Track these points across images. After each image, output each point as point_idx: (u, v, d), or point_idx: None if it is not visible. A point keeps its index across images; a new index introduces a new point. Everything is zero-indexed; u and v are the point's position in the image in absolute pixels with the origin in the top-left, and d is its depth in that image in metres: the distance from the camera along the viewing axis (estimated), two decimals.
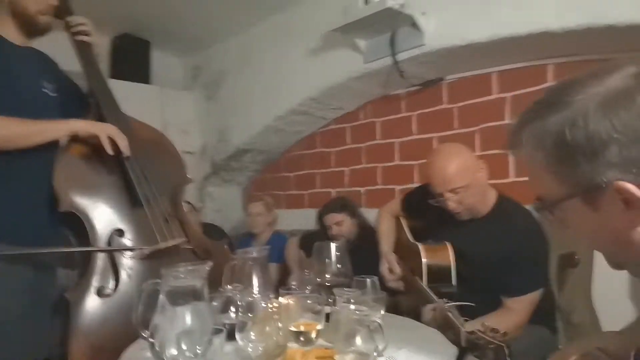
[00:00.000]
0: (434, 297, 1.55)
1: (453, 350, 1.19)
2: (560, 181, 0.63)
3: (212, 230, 3.42)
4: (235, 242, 3.36)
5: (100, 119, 1.87)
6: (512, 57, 2.45)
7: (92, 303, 1.59)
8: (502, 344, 1.08)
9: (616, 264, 0.71)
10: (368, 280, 1.22)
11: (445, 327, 1.37)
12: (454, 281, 1.68)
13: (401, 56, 2.58)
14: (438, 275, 1.69)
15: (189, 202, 3.51)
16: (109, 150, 1.69)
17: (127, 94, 2.17)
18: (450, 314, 1.35)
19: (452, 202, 1.65)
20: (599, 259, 2.10)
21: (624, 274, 2.08)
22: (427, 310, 1.47)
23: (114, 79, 3.26)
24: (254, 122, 3.52)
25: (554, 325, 1.80)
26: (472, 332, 1.18)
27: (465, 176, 1.63)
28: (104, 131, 1.70)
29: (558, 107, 0.60)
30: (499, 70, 2.59)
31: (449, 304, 1.40)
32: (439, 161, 1.70)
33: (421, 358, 1.07)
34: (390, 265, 1.92)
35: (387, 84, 2.91)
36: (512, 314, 1.55)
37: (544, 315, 1.71)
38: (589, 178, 0.59)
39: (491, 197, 1.73)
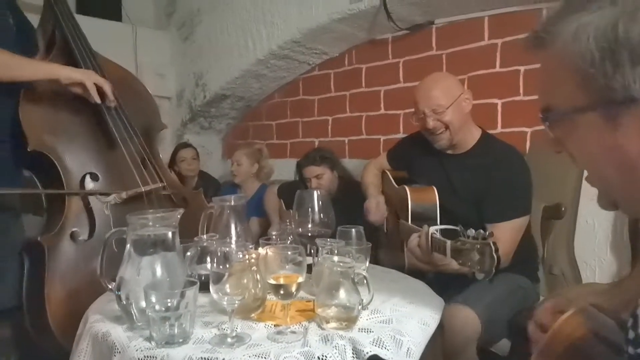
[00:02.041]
0: (418, 228, 1.51)
1: (439, 301, 1.15)
2: (586, 88, 0.54)
3: (208, 180, 3.34)
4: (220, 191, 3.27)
5: (68, 53, 1.74)
6: None
7: (67, 248, 1.54)
8: (488, 242, 1.06)
9: (610, 202, 0.64)
10: (353, 230, 1.16)
11: (430, 249, 1.35)
12: (438, 222, 1.66)
13: None
14: (423, 215, 1.67)
15: (193, 147, 3.39)
16: (97, 99, 1.61)
17: (96, 32, 2.01)
18: (435, 234, 1.33)
19: (432, 121, 1.68)
20: (583, 212, 2.09)
21: (606, 228, 2.06)
22: (413, 238, 1.44)
23: (80, 15, 3.03)
24: (232, 65, 3.33)
25: (536, 275, 1.79)
26: (457, 241, 1.16)
27: (448, 97, 1.66)
28: (89, 78, 1.59)
29: (611, 2, 0.52)
30: (491, 15, 2.46)
31: (433, 227, 1.38)
32: (426, 82, 1.75)
33: (408, 311, 1.03)
34: (377, 200, 1.92)
35: (374, 27, 2.75)
36: (497, 242, 1.53)
37: (525, 265, 1.71)
38: (625, 85, 0.51)
39: (476, 133, 1.76)
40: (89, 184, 1.66)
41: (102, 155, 1.71)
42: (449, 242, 1.18)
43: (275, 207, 2.87)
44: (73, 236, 1.56)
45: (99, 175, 1.69)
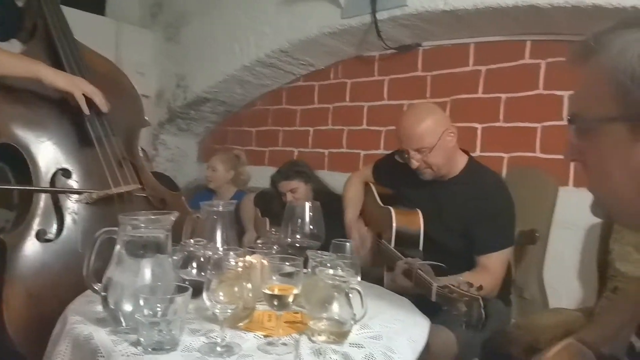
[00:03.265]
0: (402, 257, 1.52)
1: (426, 320, 1.16)
2: (621, 100, 0.57)
3: (161, 180, 3.23)
4: (188, 194, 3.19)
5: (48, 43, 1.68)
6: (492, 29, 2.39)
7: (31, 247, 1.47)
8: (477, 297, 1.06)
9: (607, 213, 0.67)
10: (347, 244, 1.16)
11: (414, 285, 1.36)
12: (420, 247, 1.67)
13: (381, 15, 2.46)
14: (406, 239, 1.67)
15: (142, 149, 3.29)
16: (86, 111, 1.54)
17: (77, 25, 1.96)
18: (420, 271, 1.34)
19: (415, 161, 1.67)
20: (553, 239, 2.16)
21: (575, 256, 2.13)
22: (399, 265, 1.45)
23: (63, 6, 2.95)
24: (216, 69, 3.30)
25: (509, 299, 1.83)
26: (444, 287, 1.16)
27: (432, 138, 1.63)
28: (78, 88, 1.52)
29: None
30: (477, 42, 2.53)
31: (420, 262, 1.39)
32: (410, 119, 1.71)
33: (397, 329, 1.03)
34: (360, 235, 1.89)
35: (363, 44, 2.80)
36: (487, 272, 1.56)
37: (501, 289, 1.73)
38: None
39: (461, 160, 1.75)
40: (60, 181, 1.60)
41: (76, 152, 1.65)
42: (434, 286, 1.19)
43: (250, 215, 2.85)
44: (39, 235, 1.49)
45: (72, 173, 1.62)
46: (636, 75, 0.55)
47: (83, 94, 1.54)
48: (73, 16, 2.37)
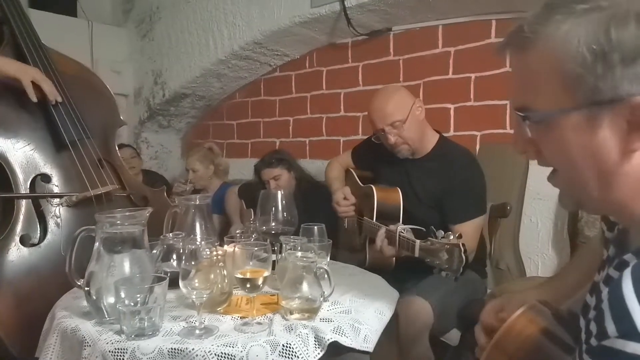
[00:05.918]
0: (383, 226, 1.59)
1: (394, 292, 1.23)
2: (572, 89, 0.55)
3: (153, 178, 3.28)
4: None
5: (17, 50, 1.70)
6: (458, 10, 2.45)
7: (16, 253, 1.51)
8: (457, 243, 1.14)
9: (574, 202, 0.65)
10: (315, 227, 1.22)
11: (398, 247, 1.44)
12: (400, 221, 1.74)
13: (349, 2, 2.50)
14: (387, 214, 1.75)
15: (133, 147, 3.33)
16: (33, 97, 1.56)
17: (50, 27, 1.98)
18: (402, 233, 1.41)
19: (391, 136, 1.73)
20: (527, 211, 2.25)
21: (548, 226, 2.20)
22: (381, 234, 1.52)
23: (33, 9, 2.95)
24: (192, 65, 3.33)
25: (484, 271, 1.91)
26: (426, 241, 1.24)
27: (403, 111, 1.72)
28: (27, 75, 1.55)
29: (597, 6, 0.54)
30: (445, 24, 2.58)
31: (401, 227, 1.47)
32: (378, 100, 1.79)
33: (365, 302, 1.10)
34: (344, 193, 1.95)
35: (334, 31, 2.83)
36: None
37: (475, 261, 1.81)
38: (610, 87, 0.53)
39: (433, 138, 1.83)
40: (40, 186, 1.64)
41: (53, 156, 1.68)
42: (417, 242, 1.26)
43: (235, 207, 2.90)
44: (23, 240, 1.54)
45: (52, 177, 1.66)
46: (587, 62, 0.54)
47: (32, 82, 1.55)
48: (45, 19, 2.39)
